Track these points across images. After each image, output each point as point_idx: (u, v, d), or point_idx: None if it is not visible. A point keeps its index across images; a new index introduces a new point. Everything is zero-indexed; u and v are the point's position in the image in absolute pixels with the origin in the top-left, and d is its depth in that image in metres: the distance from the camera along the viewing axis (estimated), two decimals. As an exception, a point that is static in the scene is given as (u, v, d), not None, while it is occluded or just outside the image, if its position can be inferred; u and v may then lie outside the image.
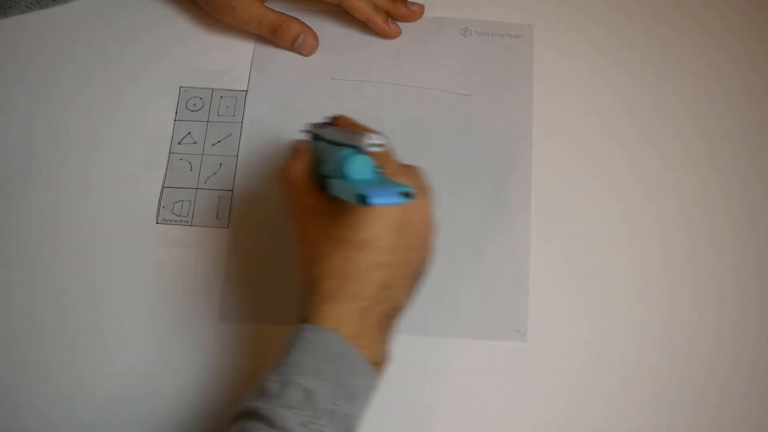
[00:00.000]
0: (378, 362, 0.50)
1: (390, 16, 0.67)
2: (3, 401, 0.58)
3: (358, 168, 0.49)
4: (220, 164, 0.64)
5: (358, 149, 0.49)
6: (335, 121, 0.56)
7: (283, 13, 0.66)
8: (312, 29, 0.67)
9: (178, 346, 0.60)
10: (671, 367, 0.59)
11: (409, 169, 0.53)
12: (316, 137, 0.55)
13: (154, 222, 0.63)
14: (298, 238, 0.53)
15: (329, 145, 0.53)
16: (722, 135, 0.65)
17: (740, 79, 0.66)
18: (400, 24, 0.68)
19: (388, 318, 0.51)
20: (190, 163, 0.64)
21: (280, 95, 0.66)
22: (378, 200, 0.44)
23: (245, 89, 0.66)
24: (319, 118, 0.57)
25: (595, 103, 0.66)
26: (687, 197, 0.63)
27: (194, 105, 0.66)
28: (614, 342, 0.59)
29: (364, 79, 0.67)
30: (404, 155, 0.64)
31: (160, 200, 0.63)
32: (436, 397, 0.58)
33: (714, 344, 0.59)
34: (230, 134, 0.65)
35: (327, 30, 0.68)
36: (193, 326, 0.60)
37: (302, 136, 0.56)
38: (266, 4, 0.67)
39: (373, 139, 0.48)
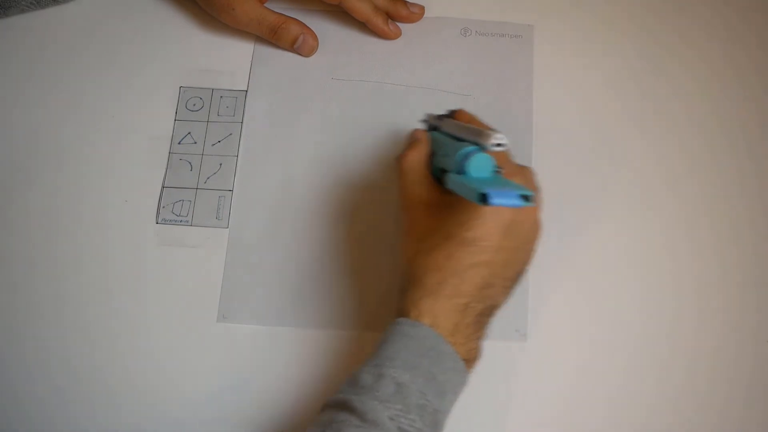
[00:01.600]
0: (470, 359, 0.51)
1: (390, 16, 0.67)
2: (2, 401, 0.58)
3: (480, 166, 0.49)
4: (220, 164, 0.64)
5: (481, 147, 0.49)
6: (455, 115, 0.57)
7: (283, 14, 0.66)
8: (312, 30, 0.67)
9: (177, 346, 0.60)
10: (671, 367, 0.59)
11: (524, 170, 0.54)
12: (434, 128, 0.56)
13: (154, 222, 0.63)
14: (406, 228, 0.53)
15: (448, 138, 0.53)
16: (723, 134, 0.65)
17: (740, 78, 0.66)
18: (400, 24, 0.68)
19: (484, 316, 0.51)
20: (190, 163, 0.64)
21: (280, 95, 0.66)
22: (499, 200, 0.44)
23: (245, 89, 0.66)
24: (438, 110, 0.58)
25: (594, 103, 0.66)
26: (688, 197, 0.63)
27: (194, 105, 0.66)
28: (614, 342, 0.59)
29: (364, 79, 0.67)
30: (404, 155, 0.64)
31: (160, 200, 0.63)
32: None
33: (714, 344, 0.59)
34: (230, 134, 0.65)
35: (327, 30, 0.68)
36: (193, 326, 0.60)
37: (420, 126, 0.57)
38: (266, 4, 0.67)
39: (498, 139, 0.48)
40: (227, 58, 0.67)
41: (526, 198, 0.45)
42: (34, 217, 0.63)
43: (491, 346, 0.59)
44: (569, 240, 0.62)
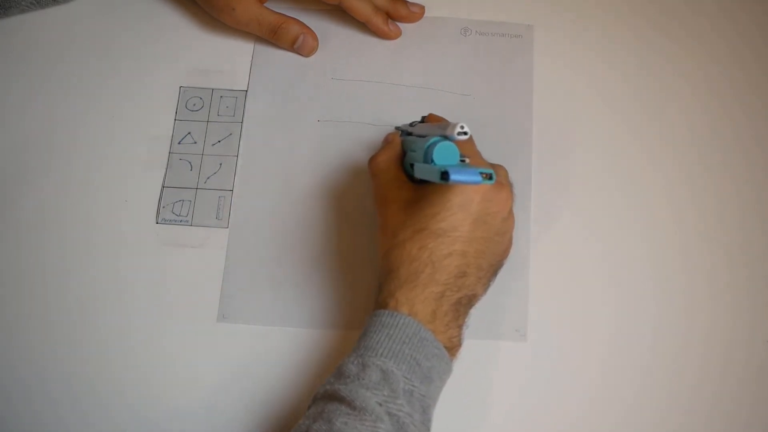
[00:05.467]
0: (451, 347, 0.51)
1: (390, 16, 0.67)
2: (4, 400, 0.58)
3: (445, 154, 0.51)
4: (220, 164, 0.64)
5: (445, 138, 0.51)
6: (426, 119, 0.59)
7: (283, 14, 0.66)
8: (312, 30, 0.67)
9: (177, 346, 0.60)
10: (671, 367, 0.59)
11: (494, 165, 0.55)
12: (408, 134, 0.57)
13: (154, 222, 0.63)
14: (381, 226, 0.55)
15: (419, 138, 0.55)
16: (723, 132, 0.65)
17: (737, 83, 0.66)
18: (400, 24, 0.68)
19: (461, 305, 0.52)
20: (190, 163, 0.64)
21: (280, 95, 0.66)
22: (458, 177, 0.46)
23: (245, 89, 0.66)
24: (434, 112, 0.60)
25: (594, 103, 0.66)
26: (688, 196, 0.63)
27: (194, 105, 0.66)
28: (613, 342, 0.60)
29: (364, 79, 0.67)
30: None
31: (160, 200, 0.63)
32: (437, 397, 0.58)
33: (714, 344, 0.59)
34: (230, 134, 0.65)
35: (327, 30, 0.68)
36: (192, 326, 0.60)
37: (393, 131, 0.59)
38: (266, 4, 0.67)
39: (460, 128, 0.49)
40: (227, 58, 0.67)
41: (486, 176, 0.47)
42: (33, 217, 0.63)
43: (491, 346, 0.59)
44: (568, 240, 0.62)
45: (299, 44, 0.66)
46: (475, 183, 0.47)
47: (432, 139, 0.52)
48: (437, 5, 0.69)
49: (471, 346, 0.59)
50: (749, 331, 0.60)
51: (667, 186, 0.64)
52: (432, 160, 0.51)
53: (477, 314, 0.60)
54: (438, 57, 0.67)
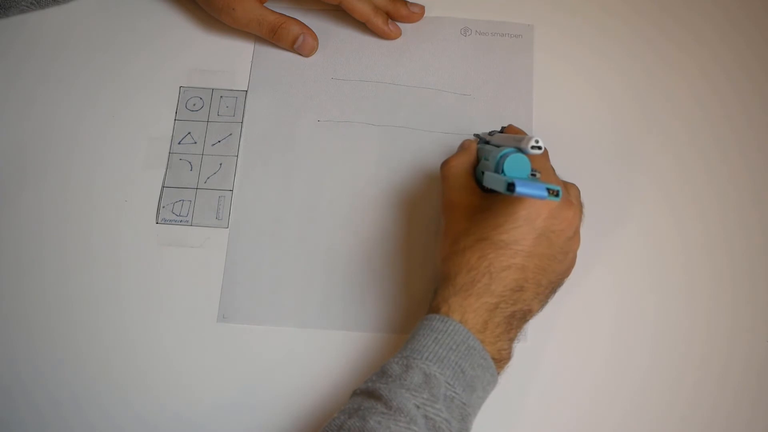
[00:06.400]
0: (500, 359, 0.51)
1: (390, 16, 0.67)
2: (6, 398, 0.58)
3: (516, 166, 0.51)
4: (220, 164, 0.64)
5: (519, 150, 0.51)
6: (505, 129, 0.59)
7: (283, 14, 0.66)
8: (312, 30, 0.67)
9: (177, 346, 0.60)
10: (671, 367, 0.59)
11: (567, 184, 0.55)
12: (485, 142, 0.57)
13: (154, 222, 0.63)
14: (443, 231, 0.55)
15: (494, 147, 0.54)
16: (724, 131, 0.65)
17: (735, 80, 0.67)
18: (400, 24, 0.68)
19: (515, 319, 0.52)
20: (190, 163, 0.64)
21: (280, 95, 0.66)
22: (523, 189, 0.46)
23: (245, 89, 0.66)
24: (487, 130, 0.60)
25: (594, 103, 0.66)
26: (689, 196, 0.63)
27: (194, 105, 0.66)
28: (614, 342, 0.60)
29: (364, 79, 0.67)
30: (404, 154, 0.64)
31: (160, 200, 0.63)
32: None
33: (714, 344, 0.59)
34: (230, 134, 0.65)
35: (327, 30, 0.68)
36: (192, 326, 0.60)
37: (471, 138, 0.59)
38: (266, 4, 0.67)
39: (535, 141, 0.49)
40: (227, 58, 0.67)
41: (553, 193, 0.46)
42: (33, 217, 0.63)
43: (491, 346, 0.59)
44: (569, 240, 0.62)
45: (299, 44, 0.66)
46: (541, 198, 0.46)
47: (505, 150, 0.52)
48: (437, 5, 0.69)
49: (471, 346, 0.59)
50: (751, 331, 0.60)
51: (667, 185, 0.64)
52: (502, 171, 0.51)
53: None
54: (438, 57, 0.67)
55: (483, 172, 0.53)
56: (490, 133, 0.59)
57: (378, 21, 0.67)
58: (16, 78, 0.67)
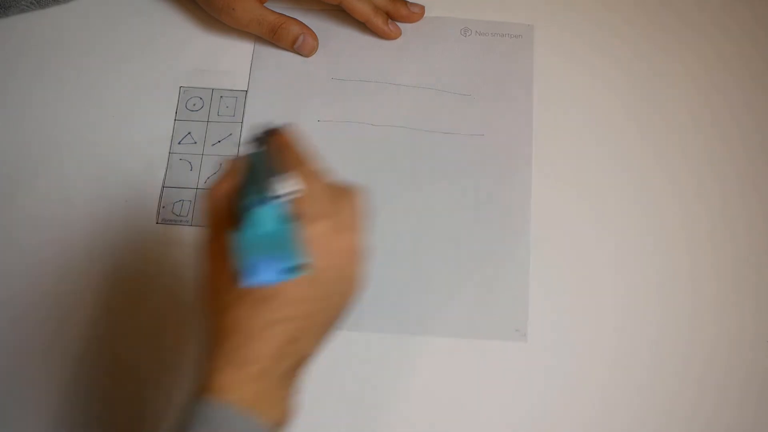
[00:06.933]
0: (280, 422, 0.44)
1: (390, 16, 0.67)
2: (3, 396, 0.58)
3: (263, 220, 0.41)
4: (220, 164, 0.64)
5: (267, 195, 0.41)
6: (274, 136, 0.47)
7: (283, 14, 0.66)
8: (312, 30, 0.67)
9: (177, 346, 0.60)
10: (672, 367, 0.59)
11: (340, 202, 0.46)
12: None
13: (154, 222, 0.63)
14: (205, 278, 0.45)
15: (254, 172, 0.44)
16: (725, 132, 0.65)
17: (739, 79, 0.67)
18: (400, 24, 0.68)
19: (292, 372, 0.45)
20: (190, 163, 0.64)
21: (280, 95, 0.66)
22: (251, 280, 0.40)
23: (245, 89, 0.66)
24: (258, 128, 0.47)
25: (595, 103, 0.66)
26: (690, 196, 0.63)
27: (194, 105, 0.66)
28: (615, 342, 0.59)
29: (364, 79, 0.67)
30: (403, 155, 0.64)
31: (160, 200, 0.63)
32: (437, 396, 0.58)
33: (715, 344, 0.59)
34: (230, 134, 0.65)
35: (327, 30, 0.68)
36: (192, 326, 0.60)
37: (244, 149, 0.47)
38: (266, 4, 0.67)
39: (286, 188, 0.41)
40: (227, 58, 0.67)
41: (294, 269, 0.40)
42: (33, 218, 0.63)
43: (491, 346, 0.59)
44: (569, 239, 0.62)
45: (299, 44, 0.66)
46: (271, 284, 0.40)
47: (249, 197, 0.41)
48: (437, 5, 0.69)
49: (471, 346, 0.59)
50: (754, 332, 0.60)
51: (670, 185, 0.63)
52: (241, 230, 0.40)
53: (477, 314, 0.60)
54: (438, 57, 0.67)
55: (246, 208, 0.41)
56: (258, 139, 0.46)
57: (378, 21, 0.67)
58: (15, 77, 0.67)
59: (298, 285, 0.43)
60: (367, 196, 0.47)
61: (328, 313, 0.46)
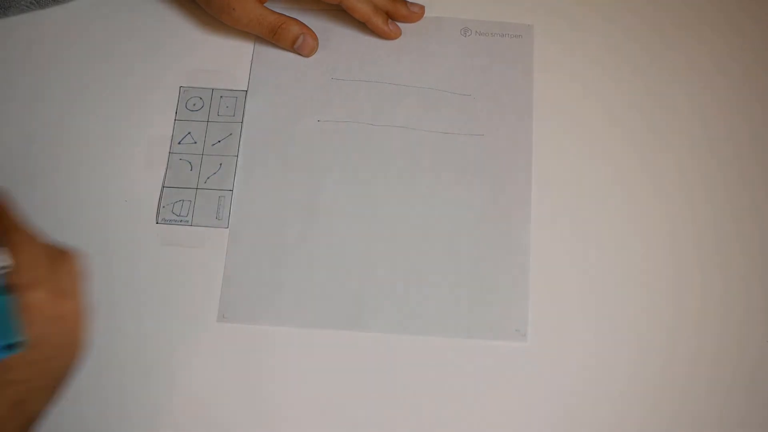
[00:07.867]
0: None
1: (390, 16, 0.67)
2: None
3: None
4: (220, 164, 0.64)
5: None
6: None
7: (283, 14, 0.66)
8: (312, 30, 0.67)
9: (177, 345, 0.60)
10: (672, 367, 0.59)
11: (59, 259, 0.46)
12: None
13: (154, 222, 0.63)
14: None
15: None
16: (727, 132, 0.65)
17: (744, 74, 0.66)
18: (400, 24, 0.68)
19: (26, 430, 0.45)
20: (190, 163, 0.64)
21: (280, 95, 0.66)
22: None
23: (245, 89, 0.66)
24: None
25: (595, 103, 0.66)
26: (691, 196, 0.63)
27: (194, 105, 0.66)
28: (615, 342, 0.59)
29: (364, 79, 0.67)
30: (403, 155, 0.64)
31: (160, 200, 0.63)
32: (437, 397, 0.58)
33: (717, 344, 0.59)
34: (230, 134, 0.65)
35: (327, 30, 0.68)
36: (192, 326, 0.60)
37: None
38: (266, 4, 0.67)
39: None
40: (227, 58, 0.67)
41: (13, 346, 0.39)
42: (33, 218, 0.63)
43: (491, 346, 0.59)
44: (570, 239, 0.62)
45: (299, 44, 0.66)
46: None
47: None
48: (437, 5, 0.69)
49: (471, 346, 0.59)
50: (756, 331, 0.60)
51: (669, 185, 0.63)
52: None
53: (476, 314, 0.60)
54: (438, 57, 0.67)
55: None
56: None
57: (378, 21, 0.67)
58: (14, 78, 0.67)
59: (21, 353, 0.42)
60: (83, 259, 0.48)
61: (53, 375, 0.46)
